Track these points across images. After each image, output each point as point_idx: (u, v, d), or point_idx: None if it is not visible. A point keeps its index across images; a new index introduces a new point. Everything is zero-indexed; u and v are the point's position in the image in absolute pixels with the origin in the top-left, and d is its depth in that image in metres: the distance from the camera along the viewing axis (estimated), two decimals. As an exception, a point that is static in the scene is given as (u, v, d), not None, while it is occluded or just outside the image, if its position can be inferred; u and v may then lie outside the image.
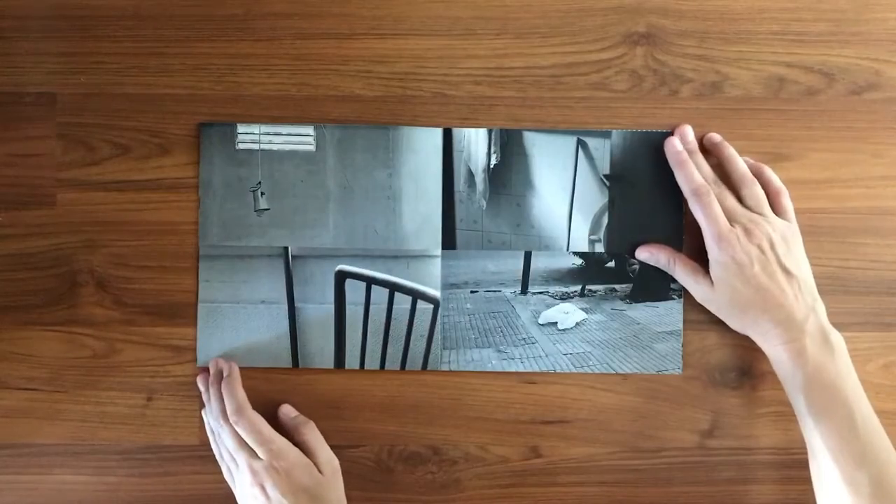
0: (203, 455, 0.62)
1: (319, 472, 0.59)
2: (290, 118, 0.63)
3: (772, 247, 0.58)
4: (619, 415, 0.63)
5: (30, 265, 0.63)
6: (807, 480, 0.61)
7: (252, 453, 0.58)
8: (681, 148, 0.61)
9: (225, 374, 0.61)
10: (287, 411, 0.62)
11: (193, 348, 0.63)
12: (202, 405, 0.62)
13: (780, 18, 0.63)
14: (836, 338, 0.58)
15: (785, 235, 0.59)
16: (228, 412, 0.59)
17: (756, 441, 0.63)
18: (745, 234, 0.58)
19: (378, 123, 0.63)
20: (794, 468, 0.63)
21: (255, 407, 0.61)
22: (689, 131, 0.62)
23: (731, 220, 0.59)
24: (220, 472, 0.61)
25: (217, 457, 0.61)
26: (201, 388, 0.62)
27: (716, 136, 0.62)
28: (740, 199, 0.60)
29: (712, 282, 0.59)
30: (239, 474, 0.59)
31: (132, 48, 0.63)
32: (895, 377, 0.63)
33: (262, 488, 0.57)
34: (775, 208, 0.60)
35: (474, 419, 0.63)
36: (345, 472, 0.61)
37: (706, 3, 0.63)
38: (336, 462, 0.61)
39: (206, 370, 0.62)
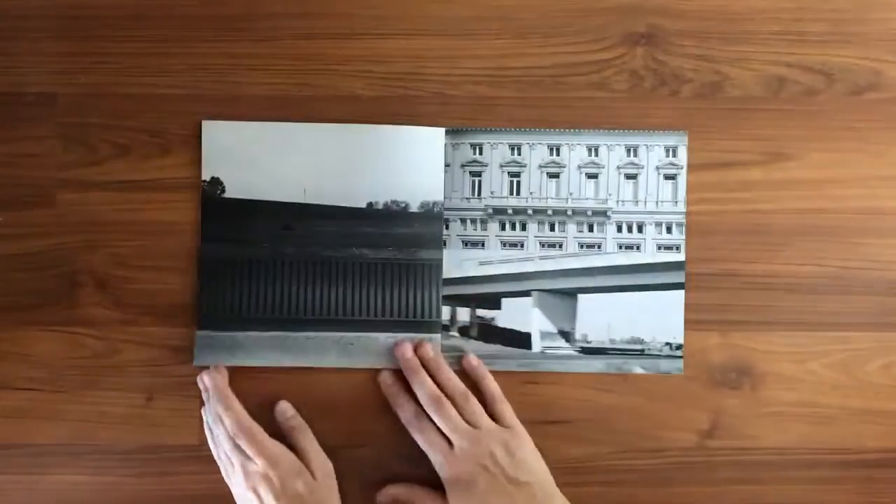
0: (203, 455, 0.62)
1: (313, 476, 0.59)
2: (290, 118, 0.63)
3: (494, 459, 0.57)
4: (619, 415, 0.63)
5: (30, 265, 0.63)
6: (807, 480, 0.62)
7: (247, 456, 0.58)
8: (411, 355, 0.62)
9: (214, 389, 0.61)
10: (284, 409, 0.62)
11: (193, 348, 0.63)
12: (202, 405, 0.62)
13: (780, 18, 0.63)
14: None
15: (508, 445, 0.58)
16: (228, 429, 0.59)
17: (756, 441, 0.63)
18: (464, 453, 0.57)
19: (378, 123, 0.63)
20: (794, 468, 0.63)
21: (255, 406, 0.61)
22: (409, 346, 0.62)
23: (451, 437, 0.58)
24: (220, 472, 0.61)
25: (215, 456, 0.61)
26: (201, 387, 0.62)
27: (429, 350, 0.62)
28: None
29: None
30: (235, 475, 0.59)
31: (132, 48, 0.63)
32: (895, 377, 0.63)
33: (256, 492, 0.57)
34: (495, 417, 0.60)
35: (474, 419, 0.63)
36: (344, 473, 0.61)
37: (706, 3, 0.63)
38: (329, 466, 0.61)
39: (206, 369, 0.62)
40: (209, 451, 0.62)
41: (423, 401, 0.60)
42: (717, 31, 0.63)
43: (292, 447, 0.60)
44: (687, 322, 0.63)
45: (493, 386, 0.62)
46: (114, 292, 0.63)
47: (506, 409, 0.61)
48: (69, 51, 0.63)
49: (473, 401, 0.60)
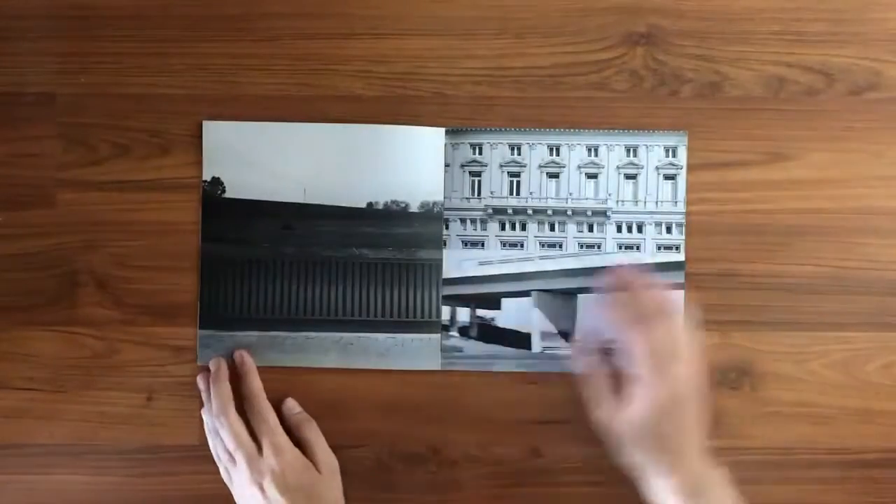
0: (203, 455, 0.62)
1: (318, 471, 0.59)
2: (290, 118, 0.63)
3: (692, 394, 0.56)
4: (619, 415, 0.63)
5: (30, 265, 0.63)
6: (807, 480, 0.62)
7: (251, 451, 0.58)
8: (617, 281, 0.60)
9: (238, 364, 0.62)
10: (290, 406, 0.62)
11: (193, 348, 0.63)
12: (202, 405, 0.62)
13: (780, 18, 0.63)
14: (721, 490, 0.57)
15: (699, 383, 0.57)
16: (244, 395, 0.61)
17: (756, 441, 0.63)
18: (678, 378, 0.56)
19: (378, 123, 0.63)
20: (794, 468, 0.63)
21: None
22: (625, 264, 0.62)
23: (668, 359, 0.56)
24: (220, 472, 0.61)
25: (215, 456, 0.61)
26: (201, 386, 0.62)
27: (649, 275, 0.61)
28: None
29: (623, 405, 0.57)
30: (237, 473, 0.59)
31: (132, 48, 0.63)
32: (895, 377, 0.63)
33: (261, 487, 0.57)
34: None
35: (474, 419, 0.63)
36: (345, 472, 0.61)
37: (706, 3, 0.63)
38: (335, 461, 0.61)
39: (206, 369, 0.62)
40: (209, 451, 0.62)
41: (642, 311, 0.57)
42: (717, 31, 0.63)
43: (300, 440, 0.60)
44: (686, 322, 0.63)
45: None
46: (114, 292, 0.63)
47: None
48: (69, 51, 0.63)
49: (687, 328, 0.59)
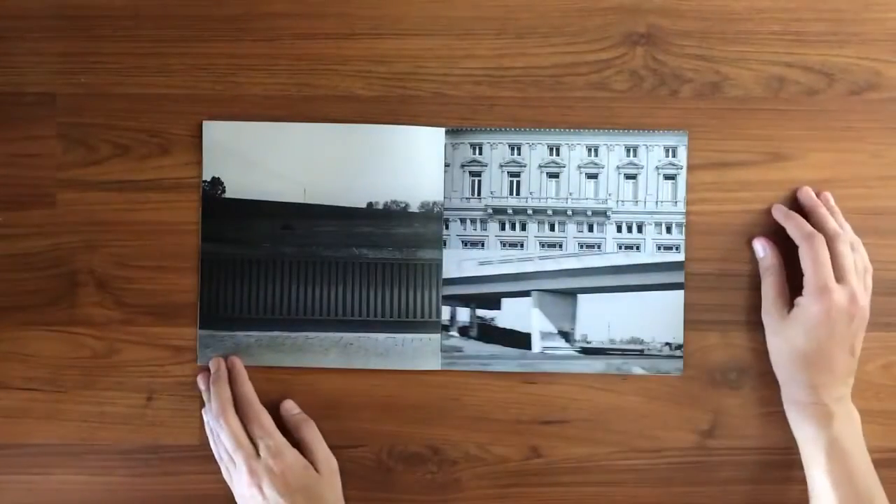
0: (203, 455, 0.62)
1: (317, 471, 0.59)
2: (290, 118, 0.63)
3: (858, 322, 0.59)
4: (619, 415, 0.63)
5: (30, 265, 0.63)
6: (806, 480, 0.62)
7: (250, 453, 0.58)
8: (812, 195, 0.62)
9: (230, 370, 0.62)
10: (289, 407, 0.62)
11: (193, 348, 0.63)
12: (202, 405, 0.62)
13: (780, 18, 0.63)
14: (856, 414, 0.59)
15: (864, 321, 0.60)
16: (237, 401, 0.60)
17: (756, 441, 0.63)
18: (847, 299, 0.58)
19: (378, 123, 0.63)
20: (794, 468, 0.63)
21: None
22: (808, 191, 0.63)
23: (840, 277, 0.58)
24: (220, 472, 0.61)
25: (216, 456, 0.61)
26: (201, 387, 0.62)
27: (831, 199, 0.63)
28: None
29: (789, 316, 0.59)
30: (237, 474, 0.59)
31: (132, 48, 0.63)
32: (895, 377, 0.63)
33: (260, 489, 0.57)
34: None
35: (474, 419, 0.63)
36: (344, 472, 0.61)
37: (706, 3, 0.63)
38: (334, 462, 0.61)
39: (206, 369, 0.62)
40: (209, 451, 0.62)
41: (823, 231, 0.59)
42: (717, 31, 0.63)
43: (299, 441, 0.60)
44: (687, 322, 0.63)
45: (867, 258, 0.62)
46: (114, 292, 0.63)
47: (870, 284, 0.61)
48: (69, 51, 0.63)
49: (863, 257, 0.61)
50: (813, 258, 0.58)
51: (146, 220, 0.63)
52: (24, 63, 0.63)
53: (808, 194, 0.62)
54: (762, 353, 0.63)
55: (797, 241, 0.60)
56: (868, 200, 0.63)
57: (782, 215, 0.62)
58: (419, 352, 0.63)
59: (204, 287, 0.63)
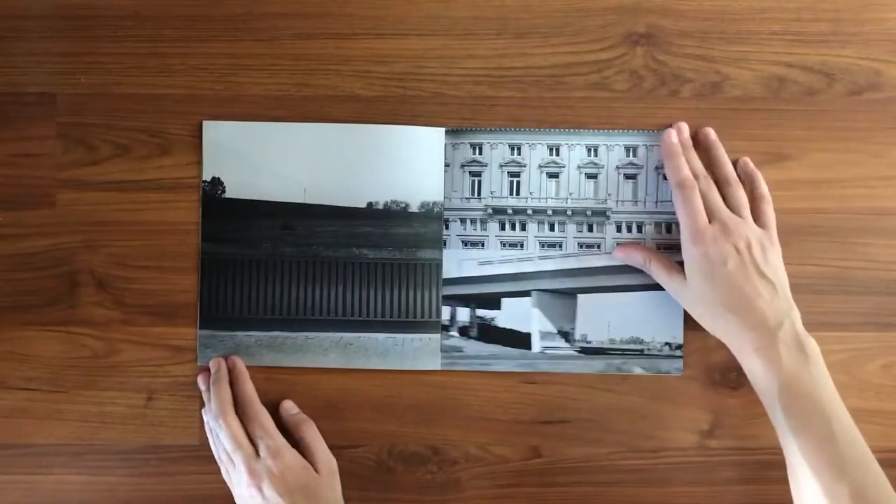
0: (203, 455, 0.62)
1: (316, 471, 0.59)
2: (290, 118, 0.63)
3: (748, 248, 0.57)
4: (619, 415, 0.63)
5: (30, 265, 0.63)
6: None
7: (249, 453, 0.58)
8: (675, 140, 0.61)
9: (231, 370, 0.62)
10: (288, 407, 0.62)
11: (193, 348, 0.63)
12: (202, 405, 0.62)
13: (780, 18, 0.63)
14: (812, 345, 0.56)
15: (763, 243, 0.58)
16: (238, 402, 0.60)
17: (756, 441, 0.63)
18: (721, 232, 0.57)
19: (378, 123, 0.63)
20: (794, 468, 0.63)
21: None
22: (685, 127, 0.62)
23: (711, 217, 0.58)
24: (220, 472, 0.61)
25: (216, 456, 0.61)
26: (201, 387, 0.62)
27: (711, 133, 0.62)
28: (723, 199, 0.60)
29: (685, 278, 0.59)
30: (236, 474, 0.59)
31: (132, 48, 0.63)
32: (895, 377, 0.63)
33: (259, 489, 0.57)
34: (756, 215, 0.60)
35: (474, 419, 0.63)
36: (344, 472, 0.61)
37: (706, 3, 0.63)
38: (334, 462, 0.61)
39: (206, 369, 0.62)
40: (209, 451, 0.62)
41: (690, 175, 0.59)
42: (717, 31, 0.63)
43: (299, 441, 0.60)
44: (687, 322, 0.63)
45: (763, 187, 0.61)
46: (114, 292, 0.63)
47: (769, 212, 0.60)
48: (69, 51, 0.63)
49: (742, 192, 0.60)
50: (681, 205, 0.59)
51: (146, 220, 0.63)
52: (24, 63, 0.63)
53: (677, 135, 0.61)
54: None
55: (671, 186, 0.60)
56: (868, 200, 0.63)
57: (665, 154, 0.61)
58: (419, 352, 0.63)
59: (204, 287, 0.63)
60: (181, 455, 0.63)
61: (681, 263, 0.59)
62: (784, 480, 0.61)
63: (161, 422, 0.63)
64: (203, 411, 0.62)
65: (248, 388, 0.61)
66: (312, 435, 0.61)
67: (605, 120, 0.63)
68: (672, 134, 0.62)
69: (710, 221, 0.58)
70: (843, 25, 0.63)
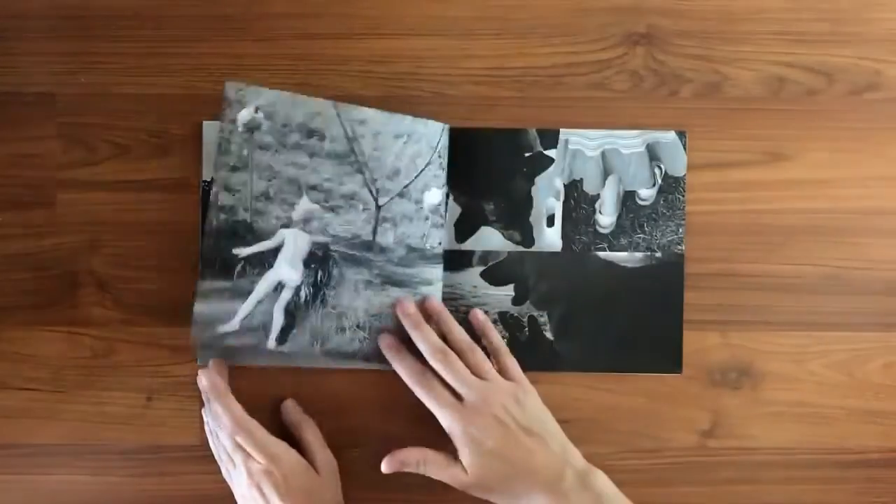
0: (203, 455, 0.62)
1: (316, 471, 0.59)
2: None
3: (506, 410, 0.56)
4: (619, 415, 0.63)
5: (30, 265, 0.63)
6: (806, 480, 0.62)
7: (249, 454, 0.58)
8: (414, 310, 0.60)
9: (212, 390, 0.60)
10: (290, 407, 0.62)
11: (196, 348, 0.63)
12: (202, 405, 0.62)
13: (780, 18, 0.63)
14: (598, 477, 0.56)
15: (516, 396, 0.57)
16: (227, 428, 0.58)
17: (756, 441, 0.63)
18: (474, 410, 0.56)
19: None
20: (794, 468, 0.63)
21: (256, 406, 0.60)
22: (411, 302, 0.60)
23: (460, 392, 0.57)
24: (221, 472, 0.61)
25: (216, 456, 0.61)
26: (201, 387, 0.62)
27: (434, 301, 0.61)
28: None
29: (458, 456, 0.56)
30: (237, 475, 0.59)
31: (132, 48, 0.63)
32: (895, 377, 0.63)
33: (260, 489, 0.57)
34: (502, 370, 0.59)
35: (474, 419, 0.63)
36: (344, 472, 0.61)
37: (706, 3, 0.63)
38: (334, 462, 0.61)
39: (204, 368, 0.62)
40: (209, 451, 0.62)
41: (427, 354, 0.58)
42: (717, 31, 0.63)
43: (299, 441, 0.60)
44: (686, 322, 0.63)
45: (497, 339, 0.61)
46: (114, 292, 0.63)
47: (511, 363, 0.60)
48: (69, 51, 0.63)
49: (480, 353, 0.59)
50: (425, 394, 0.57)
51: (146, 220, 0.63)
52: (24, 63, 0.63)
53: (405, 309, 0.60)
54: (762, 353, 0.63)
55: (409, 384, 0.59)
56: (868, 200, 0.63)
57: (389, 359, 0.60)
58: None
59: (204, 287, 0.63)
60: (181, 455, 0.63)
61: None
62: (784, 480, 0.61)
63: (161, 422, 0.63)
64: (203, 411, 0.62)
65: (234, 406, 0.59)
66: (313, 435, 0.61)
67: (605, 120, 0.63)
68: (408, 305, 0.60)
69: (459, 398, 0.57)
70: (843, 25, 0.63)
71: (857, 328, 0.63)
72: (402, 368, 0.59)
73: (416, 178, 0.62)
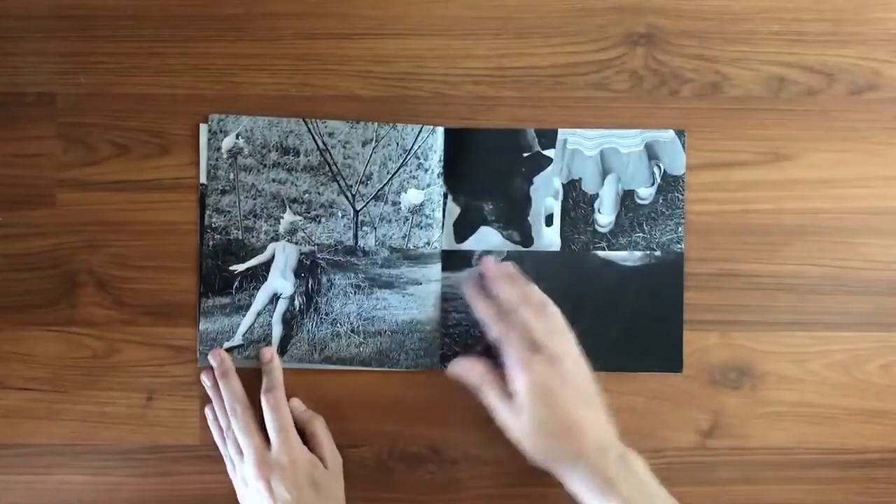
0: (203, 455, 0.62)
1: (325, 467, 0.59)
2: (290, 118, 0.63)
3: (573, 373, 0.56)
4: (619, 415, 0.63)
5: (30, 265, 0.63)
6: (807, 480, 0.62)
7: (261, 443, 0.59)
8: (494, 267, 0.60)
9: (267, 361, 0.62)
10: (296, 405, 0.62)
11: (193, 348, 0.63)
12: (202, 405, 0.62)
13: (780, 18, 0.63)
14: (638, 462, 0.56)
15: (580, 363, 0.57)
16: (264, 388, 0.60)
17: (756, 441, 0.63)
18: (547, 363, 0.56)
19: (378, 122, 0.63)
20: (794, 468, 0.63)
21: (256, 406, 0.61)
22: (488, 260, 0.61)
23: (533, 345, 0.56)
24: (221, 472, 0.61)
25: (221, 451, 0.62)
26: (208, 383, 0.62)
27: (510, 267, 0.60)
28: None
29: (514, 406, 0.56)
30: (243, 467, 0.59)
31: (132, 48, 0.63)
32: (895, 377, 0.63)
33: (268, 482, 0.57)
34: (543, 316, 0.58)
35: (474, 419, 0.63)
36: (344, 472, 0.61)
37: (706, 3, 0.63)
38: (340, 458, 0.61)
39: (207, 369, 0.62)
40: (209, 451, 0.62)
41: (505, 304, 0.58)
42: (717, 31, 0.63)
43: (309, 437, 0.61)
44: (686, 322, 0.63)
45: (537, 293, 0.59)
46: (114, 292, 0.63)
47: (551, 308, 0.59)
48: (69, 51, 0.63)
49: (551, 313, 0.58)
50: (502, 338, 0.57)
51: (146, 220, 0.63)
52: (24, 63, 0.63)
53: (486, 266, 0.60)
54: (762, 353, 0.63)
55: (486, 323, 0.58)
56: (868, 200, 0.63)
57: (471, 298, 0.59)
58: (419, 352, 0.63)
59: (204, 287, 0.63)
60: (181, 455, 0.63)
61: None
62: (784, 480, 0.61)
63: (161, 422, 0.63)
64: (206, 409, 0.62)
65: (279, 385, 0.62)
66: (322, 430, 0.61)
67: (605, 120, 0.63)
68: (490, 260, 0.60)
69: (537, 350, 0.56)
70: (843, 25, 0.63)
71: (857, 328, 0.63)
72: (482, 307, 0.58)
73: (388, 180, 0.63)
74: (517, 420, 0.56)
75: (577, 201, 0.63)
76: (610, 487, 0.54)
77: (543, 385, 0.55)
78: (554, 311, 0.58)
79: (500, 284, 0.59)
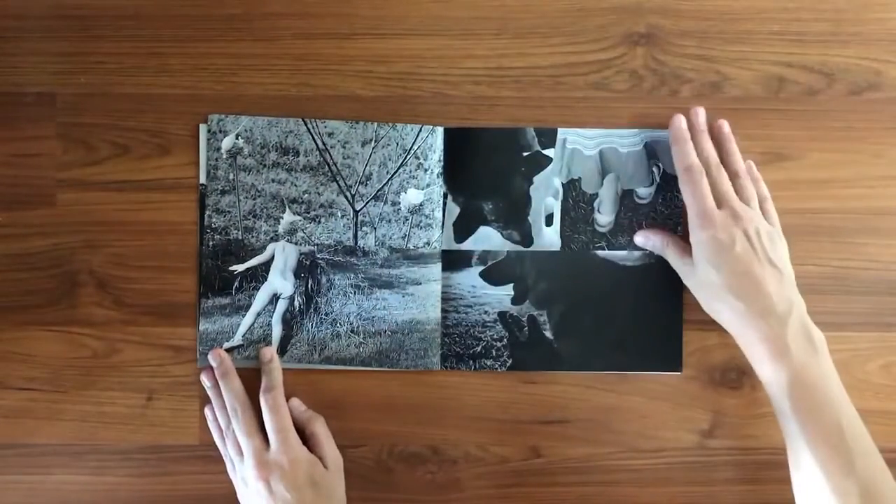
0: (203, 455, 0.62)
1: (325, 466, 0.59)
2: (290, 118, 0.63)
3: (758, 236, 0.57)
4: (619, 415, 0.63)
5: (30, 265, 0.63)
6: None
7: (261, 444, 0.59)
8: (683, 125, 0.60)
9: (267, 361, 0.61)
10: (296, 405, 0.62)
11: (193, 348, 0.63)
12: (202, 405, 0.62)
13: (780, 18, 0.63)
14: (819, 337, 0.56)
15: (771, 234, 0.58)
16: (264, 388, 0.60)
17: (756, 441, 0.63)
18: (731, 217, 0.56)
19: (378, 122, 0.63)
20: (794, 468, 0.63)
21: (256, 406, 0.61)
22: (701, 112, 0.61)
23: (720, 203, 0.57)
24: (221, 472, 0.61)
25: (221, 451, 0.62)
26: (208, 383, 0.62)
27: (725, 126, 0.61)
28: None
29: (692, 260, 0.58)
30: (243, 467, 0.59)
31: (132, 48, 0.63)
32: (895, 377, 0.63)
33: (267, 482, 0.57)
34: (763, 214, 0.60)
35: (474, 419, 0.63)
36: (345, 472, 0.61)
37: (706, 3, 0.63)
38: (340, 459, 0.61)
39: (207, 369, 0.62)
40: (209, 450, 0.62)
41: (700, 160, 0.58)
42: (717, 31, 0.63)
43: (309, 437, 0.61)
44: (687, 322, 0.63)
45: (766, 190, 0.61)
46: (114, 292, 0.63)
47: (773, 212, 0.60)
48: (69, 51, 0.63)
49: (752, 185, 0.59)
50: (689, 190, 0.58)
51: (146, 220, 0.63)
52: (24, 63, 0.63)
53: (693, 119, 0.60)
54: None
55: (677, 171, 0.59)
56: (868, 200, 0.63)
57: (672, 138, 0.60)
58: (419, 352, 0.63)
59: (204, 287, 0.63)
60: (181, 455, 0.63)
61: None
62: (784, 480, 0.61)
63: (161, 422, 0.63)
64: (206, 409, 0.62)
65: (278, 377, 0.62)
66: (322, 430, 0.61)
67: (605, 120, 0.63)
68: (680, 119, 0.60)
69: (719, 207, 0.57)
70: (843, 25, 0.63)
71: (857, 328, 0.63)
72: (684, 157, 0.58)
73: (388, 180, 0.62)
74: (694, 276, 0.57)
75: (576, 201, 0.64)
76: (783, 356, 0.54)
77: (718, 239, 0.56)
78: (748, 184, 0.59)
79: (706, 140, 0.59)
